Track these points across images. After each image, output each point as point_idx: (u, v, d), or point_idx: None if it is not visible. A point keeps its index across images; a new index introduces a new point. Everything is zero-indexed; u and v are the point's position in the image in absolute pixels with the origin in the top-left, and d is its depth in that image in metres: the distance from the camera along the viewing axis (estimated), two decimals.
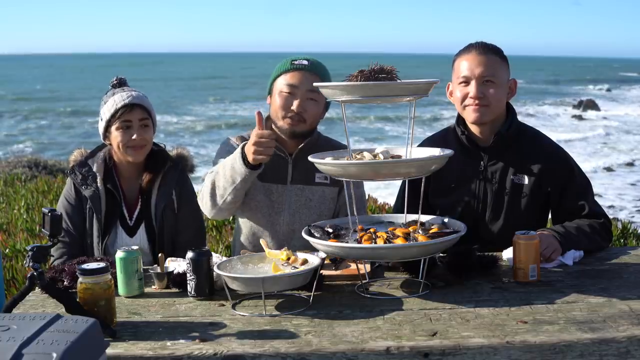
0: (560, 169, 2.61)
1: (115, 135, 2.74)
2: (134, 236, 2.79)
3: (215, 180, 2.56)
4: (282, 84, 2.67)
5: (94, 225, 2.77)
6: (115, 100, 2.73)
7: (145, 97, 2.80)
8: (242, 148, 2.45)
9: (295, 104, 2.64)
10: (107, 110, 2.75)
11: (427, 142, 2.73)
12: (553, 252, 2.33)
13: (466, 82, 2.56)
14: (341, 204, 2.78)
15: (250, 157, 2.40)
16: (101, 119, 2.79)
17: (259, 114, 2.41)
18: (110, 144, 2.80)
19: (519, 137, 2.63)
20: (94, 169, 2.81)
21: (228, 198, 2.55)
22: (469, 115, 2.58)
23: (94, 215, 2.77)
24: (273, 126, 2.74)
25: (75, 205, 2.80)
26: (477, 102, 2.54)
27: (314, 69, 2.68)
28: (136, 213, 2.82)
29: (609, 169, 17.36)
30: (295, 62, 2.68)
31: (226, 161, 2.54)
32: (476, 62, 2.54)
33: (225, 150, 2.75)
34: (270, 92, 2.75)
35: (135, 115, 2.73)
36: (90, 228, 2.78)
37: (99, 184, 2.78)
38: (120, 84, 2.82)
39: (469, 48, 2.60)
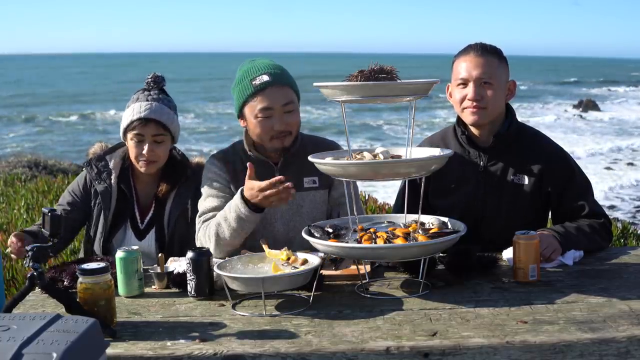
0: (560, 169, 2.61)
1: (129, 145, 2.74)
2: (143, 239, 2.78)
3: (219, 232, 2.46)
4: (254, 109, 2.52)
5: (100, 221, 2.77)
6: (134, 109, 2.70)
7: (166, 107, 2.72)
8: (242, 197, 2.37)
9: (277, 124, 2.52)
10: (126, 116, 2.73)
11: (427, 143, 2.73)
12: (553, 252, 2.33)
13: (464, 83, 2.56)
14: (332, 204, 2.71)
15: (265, 203, 2.33)
16: (122, 121, 2.78)
17: (251, 166, 2.34)
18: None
19: (519, 137, 2.63)
20: (111, 166, 2.80)
21: (236, 242, 2.48)
22: (468, 118, 2.58)
23: (102, 211, 2.77)
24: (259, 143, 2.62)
25: (81, 200, 2.80)
26: (474, 104, 2.53)
27: (278, 80, 2.52)
28: (148, 217, 2.81)
29: (609, 169, 17.35)
30: (257, 83, 2.50)
31: (228, 213, 2.43)
32: (474, 63, 2.54)
33: (212, 178, 2.64)
34: (241, 117, 2.60)
35: (148, 131, 2.69)
36: (96, 224, 2.78)
37: (112, 181, 2.78)
38: (156, 82, 2.76)
39: (467, 49, 2.59)
